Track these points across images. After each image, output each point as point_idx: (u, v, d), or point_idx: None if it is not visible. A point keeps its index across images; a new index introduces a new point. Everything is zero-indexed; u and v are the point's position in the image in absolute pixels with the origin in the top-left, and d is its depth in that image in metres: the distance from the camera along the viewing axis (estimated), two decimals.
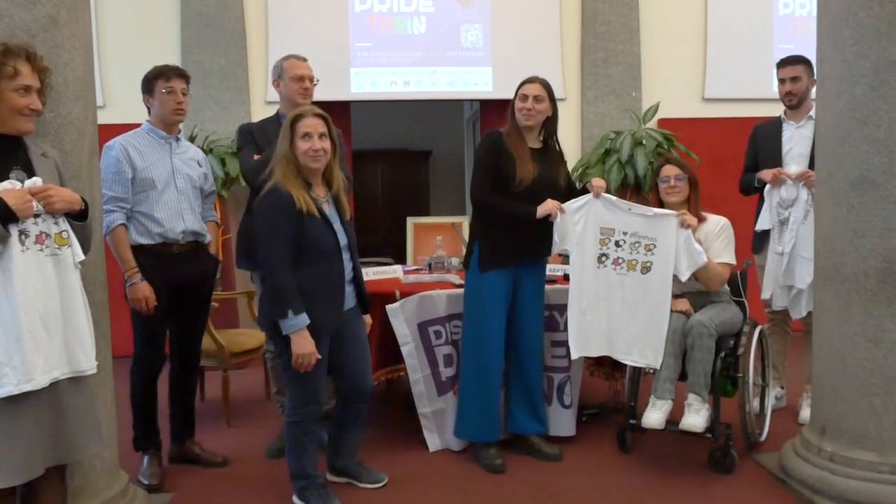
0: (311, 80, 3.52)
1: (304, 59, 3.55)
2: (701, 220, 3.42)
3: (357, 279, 3.03)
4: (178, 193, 3.22)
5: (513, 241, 3.32)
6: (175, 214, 3.19)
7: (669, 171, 3.48)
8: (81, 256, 2.20)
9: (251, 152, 3.40)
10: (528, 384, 3.47)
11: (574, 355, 3.40)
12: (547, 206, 3.27)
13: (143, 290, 3.09)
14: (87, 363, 2.20)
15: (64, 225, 2.17)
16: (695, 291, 3.44)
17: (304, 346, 2.74)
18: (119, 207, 3.10)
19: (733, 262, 3.43)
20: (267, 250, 2.76)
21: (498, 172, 3.29)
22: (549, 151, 3.45)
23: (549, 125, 3.41)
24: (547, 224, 3.30)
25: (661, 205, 3.46)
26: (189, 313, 3.35)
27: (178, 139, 3.31)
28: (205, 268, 3.36)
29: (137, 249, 3.14)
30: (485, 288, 3.33)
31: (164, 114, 3.21)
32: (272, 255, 2.74)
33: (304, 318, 2.73)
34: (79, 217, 2.21)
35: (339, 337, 2.96)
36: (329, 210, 2.90)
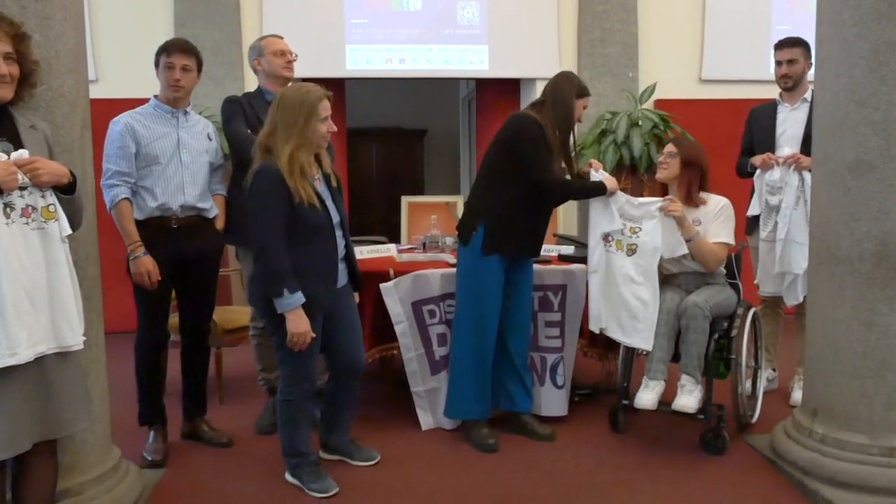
0: (291, 54, 3.54)
1: (281, 37, 3.58)
2: (700, 202, 3.43)
3: (349, 256, 3.02)
4: (182, 167, 3.18)
5: (526, 232, 3.35)
6: (176, 189, 3.16)
7: (667, 147, 3.52)
8: (69, 231, 2.17)
9: (242, 123, 3.38)
10: (520, 364, 3.47)
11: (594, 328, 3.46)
12: (614, 184, 3.37)
13: (146, 264, 3.06)
14: (74, 338, 2.17)
15: (51, 198, 2.13)
16: (690, 272, 3.44)
17: (299, 324, 2.73)
18: (123, 181, 3.08)
19: (731, 241, 3.43)
20: (260, 228, 2.72)
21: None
22: (566, 147, 3.43)
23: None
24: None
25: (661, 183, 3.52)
26: (195, 289, 3.33)
27: (186, 112, 3.26)
28: (208, 243, 3.31)
29: (138, 225, 3.11)
30: (485, 270, 3.30)
31: (162, 89, 3.21)
32: (266, 233, 2.71)
33: (299, 297, 2.72)
34: (67, 191, 2.18)
35: (331, 314, 2.95)
36: (321, 187, 2.88)
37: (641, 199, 3.39)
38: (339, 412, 3.19)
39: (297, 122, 2.73)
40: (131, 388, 3.28)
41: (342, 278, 2.99)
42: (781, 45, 3.80)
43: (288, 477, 3.02)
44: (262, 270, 2.78)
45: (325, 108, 2.79)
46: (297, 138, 2.73)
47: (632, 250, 3.31)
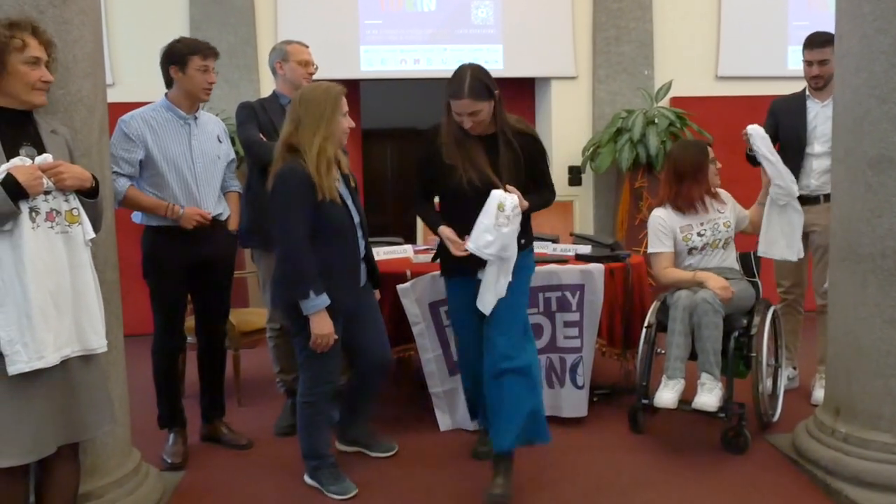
0: (314, 65, 3.56)
1: (307, 46, 3.58)
2: (718, 198, 3.54)
3: (368, 255, 3.04)
4: (195, 178, 3.16)
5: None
6: (191, 202, 3.14)
7: (713, 154, 3.52)
8: (92, 234, 2.19)
9: (255, 127, 3.39)
10: (487, 380, 2.91)
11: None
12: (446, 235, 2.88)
13: (192, 214, 3.10)
14: (98, 341, 2.20)
15: (75, 202, 2.16)
16: (712, 269, 3.43)
17: (323, 326, 2.74)
18: (123, 175, 3.05)
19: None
20: (286, 230, 2.73)
21: (431, 175, 2.98)
22: (504, 139, 2.92)
23: (497, 115, 2.91)
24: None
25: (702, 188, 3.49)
26: (210, 292, 3.33)
27: (196, 117, 3.22)
28: (221, 246, 3.30)
29: (152, 230, 3.14)
30: (449, 294, 3.17)
31: (195, 91, 3.13)
32: (291, 234, 2.72)
33: (324, 299, 2.73)
34: (89, 194, 2.20)
35: (354, 315, 2.96)
36: (340, 188, 2.88)
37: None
38: (360, 404, 3.22)
39: (324, 113, 2.76)
40: (150, 391, 3.30)
41: (362, 277, 3.01)
42: (812, 45, 3.69)
43: (307, 479, 3.02)
44: (288, 272, 2.78)
45: (345, 102, 2.85)
46: (324, 130, 2.75)
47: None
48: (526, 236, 2.95)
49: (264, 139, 3.36)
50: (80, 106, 2.49)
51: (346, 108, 2.84)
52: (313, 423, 2.95)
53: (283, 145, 2.79)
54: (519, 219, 2.78)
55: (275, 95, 3.57)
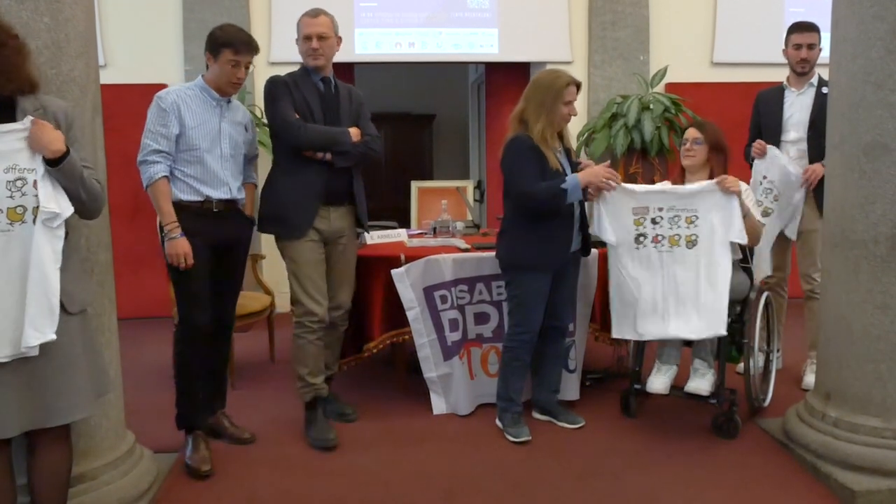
0: (320, 37, 3.27)
1: (316, 15, 3.33)
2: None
3: (583, 223, 3.33)
4: (221, 160, 3.07)
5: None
6: (219, 182, 3.06)
7: (689, 133, 3.44)
8: (65, 213, 2.08)
9: (290, 105, 3.21)
10: None
11: (615, 334, 3.37)
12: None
13: (183, 246, 2.93)
14: (37, 338, 2.03)
15: (22, 199, 2.03)
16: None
17: (592, 175, 3.14)
18: (163, 159, 2.97)
19: (761, 220, 3.44)
20: (518, 181, 3.13)
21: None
22: None
23: None
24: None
25: (683, 168, 3.47)
26: (225, 275, 3.18)
27: (229, 101, 3.14)
28: (241, 228, 3.22)
29: (178, 206, 3.00)
30: None
31: (221, 84, 3.06)
32: (524, 182, 3.11)
33: (574, 179, 3.12)
34: (52, 163, 2.07)
35: (558, 275, 3.27)
36: (562, 158, 3.23)
37: (685, 187, 3.24)
38: (544, 368, 3.45)
39: (545, 101, 3.14)
40: (146, 373, 3.27)
41: (576, 243, 3.31)
42: (801, 29, 3.76)
43: (497, 422, 3.37)
44: (530, 207, 3.15)
45: (570, 92, 3.16)
46: (545, 114, 3.12)
47: (691, 242, 3.15)
48: None
49: (300, 120, 3.21)
50: (72, 86, 2.46)
51: (570, 97, 3.16)
52: (510, 367, 3.31)
53: (515, 117, 3.22)
54: None
55: (305, 71, 3.34)
